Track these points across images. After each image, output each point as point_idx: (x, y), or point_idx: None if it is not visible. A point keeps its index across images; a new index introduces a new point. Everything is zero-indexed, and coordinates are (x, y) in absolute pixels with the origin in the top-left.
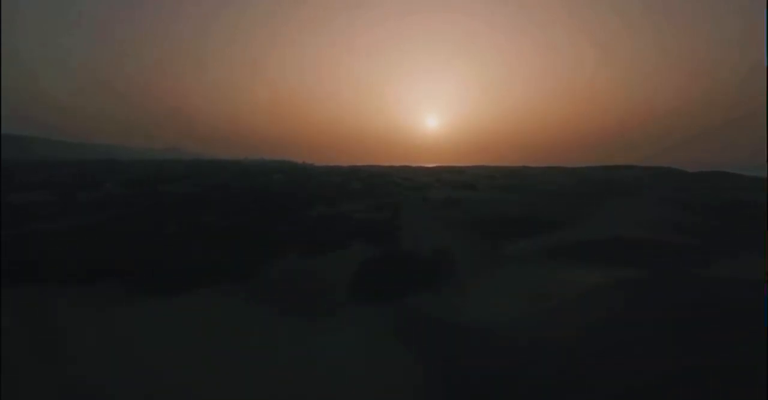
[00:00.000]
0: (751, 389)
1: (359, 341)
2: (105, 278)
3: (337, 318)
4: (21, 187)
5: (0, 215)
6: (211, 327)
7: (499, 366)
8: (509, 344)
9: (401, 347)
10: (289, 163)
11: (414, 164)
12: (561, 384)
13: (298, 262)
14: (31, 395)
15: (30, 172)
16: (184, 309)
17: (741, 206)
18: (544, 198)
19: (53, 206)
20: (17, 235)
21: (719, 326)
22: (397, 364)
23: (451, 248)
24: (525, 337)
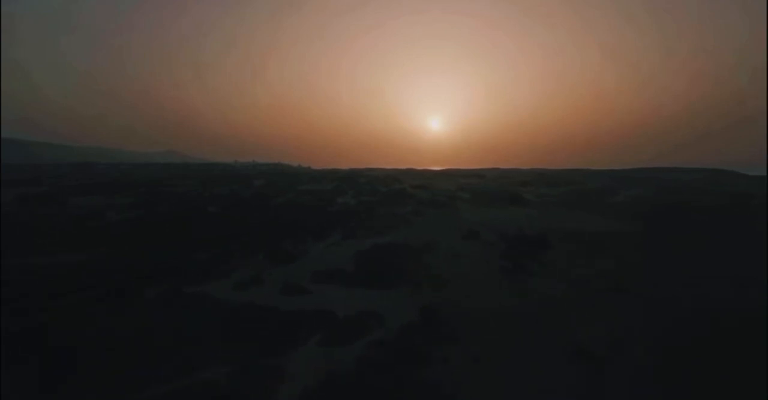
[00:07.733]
0: None
1: None
2: None
3: None
4: None
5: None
6: None
7: None
8: None
9: None
10: (282, 166)
11: (420, 167)
12: None
13: None
14: None
15: None
16: None
17: None
18: (675, 225)
19: None
20: None
21: None
22: None
23: None
24: None
